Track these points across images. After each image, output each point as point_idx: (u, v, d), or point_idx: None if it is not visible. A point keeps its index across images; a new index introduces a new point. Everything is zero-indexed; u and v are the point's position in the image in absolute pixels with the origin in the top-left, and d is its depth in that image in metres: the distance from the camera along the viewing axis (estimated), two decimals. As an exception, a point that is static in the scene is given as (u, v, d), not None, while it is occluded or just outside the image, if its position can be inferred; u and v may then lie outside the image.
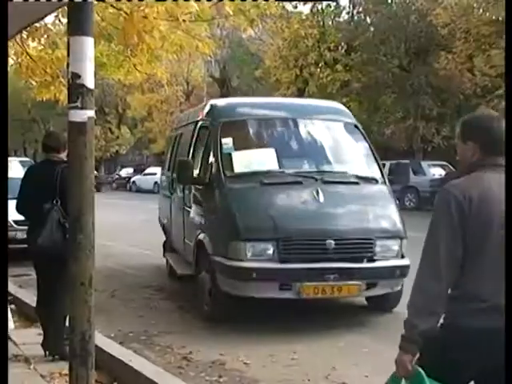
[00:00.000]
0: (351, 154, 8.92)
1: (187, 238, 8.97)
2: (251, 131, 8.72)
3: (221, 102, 10.13)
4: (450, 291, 3.18)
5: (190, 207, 8.91)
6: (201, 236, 8.06)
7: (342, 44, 33.43)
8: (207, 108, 9.12)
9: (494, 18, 22.93)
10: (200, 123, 9.20)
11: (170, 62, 38.44)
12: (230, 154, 8.12)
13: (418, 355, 3.17)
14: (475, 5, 24.15)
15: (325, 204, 7.58)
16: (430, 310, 3.15)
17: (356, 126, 9.00)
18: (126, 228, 18.27)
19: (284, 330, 7.10)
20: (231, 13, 7.38)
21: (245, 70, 41.21)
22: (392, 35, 30.74)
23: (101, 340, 5.69)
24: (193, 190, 8.89)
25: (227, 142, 8.22)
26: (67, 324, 4.06)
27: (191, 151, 9.28)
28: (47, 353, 5.81)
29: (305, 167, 8.33)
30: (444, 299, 3.15)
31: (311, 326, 7.29)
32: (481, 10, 23.72)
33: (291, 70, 32.64)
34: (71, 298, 3.68)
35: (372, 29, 33.06)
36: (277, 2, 7.91)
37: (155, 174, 43.47)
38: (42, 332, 5.92)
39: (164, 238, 11.48)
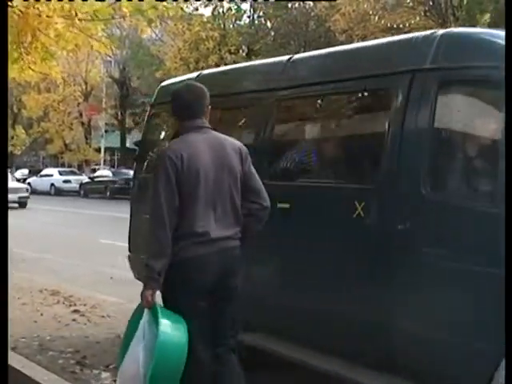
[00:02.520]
0: None
1: None
2: None
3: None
4: (176, 232, 3.87)
5: None
6: None
7: (243, 47, 33.70)
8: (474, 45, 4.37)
9: (389, 25, 23.56)
10: (441, 73, 4.38)
11: (67, 61, 37.84)
12: None
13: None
14: (372, 12, 24.71)
15: None
16: (161, 252, 3.85)
17: None
18: (22, 231, 17.79)
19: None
20: (128, 13, 7.29)
21: (145, 71, 40.89)
22: (292, 40, 31.20)
23: (-10, 346, 5.53)
24: None
25: None
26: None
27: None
28: None
29: None
30: (170, 242, 3.85)
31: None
32: (377, 18, 24.29)
33: (192, 72, 32.62)
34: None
35: (272, 33, 33.46)
36: (175, 3, 7.87)
37: (52, 175, 42.64)
38: None
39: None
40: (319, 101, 5.69)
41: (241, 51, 33.73)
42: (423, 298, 4.33)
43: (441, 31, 4.64)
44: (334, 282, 4.97)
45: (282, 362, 5.38)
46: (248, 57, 32.73)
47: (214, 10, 34.08)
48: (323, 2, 28.57)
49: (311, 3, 31.50)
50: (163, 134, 7.32)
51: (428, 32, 4.76)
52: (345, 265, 4.88)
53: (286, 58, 5.97)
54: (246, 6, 35.00)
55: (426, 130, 4.37)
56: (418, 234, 4.35)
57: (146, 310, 3.87)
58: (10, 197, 25.85)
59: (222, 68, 8.10)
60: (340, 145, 5.51)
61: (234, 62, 32.84)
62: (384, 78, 4.81)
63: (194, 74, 7.07)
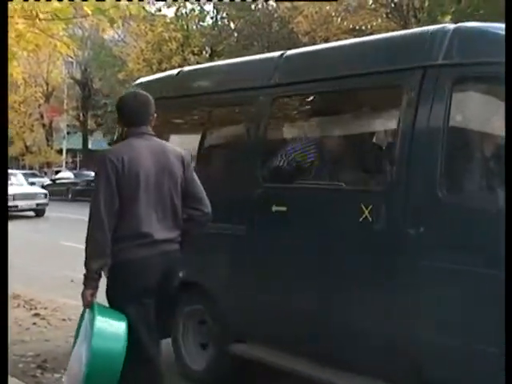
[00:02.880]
0: None
1: None
2: None
3: None
4: (116, 234, 3.95)
5: None
6: None
7: (207, 48, 33.63)
8: None
9: (351, 26, 23.68)
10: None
11: (28, 62, 37.39)
12: None
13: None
14: (334, 14, 24.82)
15: None
16: (99, 252, 3.92)
17: None
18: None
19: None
20: (90, 12, 7.20)
21: (107, 72, 40.54)
22: (255, 41, 31.22)
23: None
24: None
25: None
26: None
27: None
28: None
29: None
30: (108, 242, 3.92)
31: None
32: (339, 20, 24.41)
33: (155, 74, 32.45)
34: None
35: (236, 34, 33.45)
36: (137, 3, 7.78)
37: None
38: None
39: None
40: (322, 98, 5.40)
41: (204, 52, 33.67)
42: (437, 305, 4.12)
43: (452, 25, 4.43)
44: (336, 290, 4.71)
45: (274, 372, 5.18)
46: (211, 58, 32.70)
47: (177, 10, 33.94)
48: (286, 4, 28.64)
49: (274, 4, 31.55)
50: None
51: (438, 26, 4.54)
52: (348, 271, 4.61)
53: (278, 53, 5.59)
54: (209, 7, 34.96)
55: (442, 129, 4.16)
56: (433, 237, 4.12)
57: (87, 310, 4.00)
58: (26, 203, 24.16)
59: (205, 65, 7.78)
60: (345, 145, 5.22)
61: (197, 63, 32.77)
62: (393, 75, 4.58)
63: (175, 71, 6.72)
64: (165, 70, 32.83)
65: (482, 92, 4.36)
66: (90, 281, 3.94)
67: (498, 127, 4.01)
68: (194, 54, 32.74)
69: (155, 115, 4.29)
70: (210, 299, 5.61)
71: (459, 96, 4.26)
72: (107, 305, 4.06)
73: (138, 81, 7.28)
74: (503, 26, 4.13)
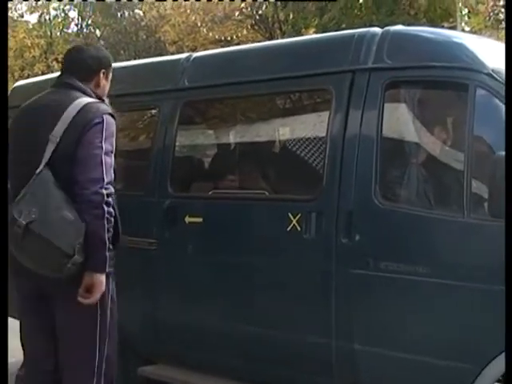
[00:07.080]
0: None
1: None
2: None
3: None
4: None
5: None
6: None
7: (71, 56, 33.01)
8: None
9: (218, 37, 23.83)
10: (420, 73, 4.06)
11: None
12: None
13: None
14: (201, 24, 24.87)
15: None
16: None
17: None
18: None
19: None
20: None
21: (-34, 78, 38.95)
22: (122, 50, 30.87)
23: None
24: None
25: None
26: None
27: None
28: None
29: None
30: None
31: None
32: (206, 30, 24.52)
33: (17, 81, 31.44)
34: None
35: (102, 42, 32.95)
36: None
37: None
38: None
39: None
40: (242, 103, 5.17)
41: (69, 60, 32.99)
42: (375, 316, 4.04)
43: (377, 29, 4.36)
44: (259, 305, 4.53)
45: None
46: (76, 66, 32.09)
47: (40, 16, 33.07)
48: (153, 13, 28.50)
49: (141, 13, 31.32)
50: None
51: (363, 29, 4.44)
52: (272, 283, 4.46)
53: (185, 55, 5.32)
54: (73, 14, 34.26)
55: (375, 135, 4.04)
56: (370, 246, 4.01)
57: None
58: None
59: None
60: (269, 152, 5.05)
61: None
62: (318, 78, 4.41)
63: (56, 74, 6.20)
64: (27, 77, 31.78)
65: (416, 96, 4.21)
66: None
67: (433, 132, 4.05)
68: (57, 61, 31.93)
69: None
70: None
71: (392, 100, 4.15)
72: None
73: (17, 84, 6.81)
74: (430, 29, 4.34)
